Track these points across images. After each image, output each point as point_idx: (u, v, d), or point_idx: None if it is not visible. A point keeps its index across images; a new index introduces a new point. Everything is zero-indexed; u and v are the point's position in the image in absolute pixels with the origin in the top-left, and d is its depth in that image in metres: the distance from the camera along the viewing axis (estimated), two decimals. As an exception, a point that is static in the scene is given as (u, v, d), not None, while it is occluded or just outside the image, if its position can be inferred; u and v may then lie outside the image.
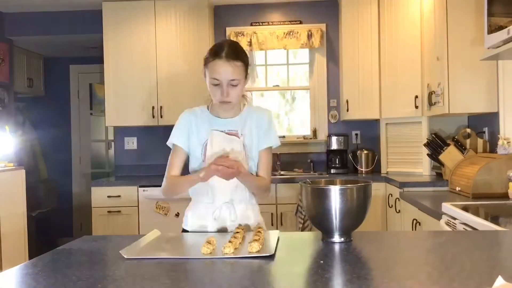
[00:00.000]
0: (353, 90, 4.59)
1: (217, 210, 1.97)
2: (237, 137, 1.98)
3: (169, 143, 2.08)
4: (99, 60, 4.99)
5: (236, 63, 1.89)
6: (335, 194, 1.56)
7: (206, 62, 1.93)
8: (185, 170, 2.08)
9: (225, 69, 1.88)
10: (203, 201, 2.01)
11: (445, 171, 3.63)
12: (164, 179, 2.04)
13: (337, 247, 1.53)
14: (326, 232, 1.62)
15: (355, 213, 1.60)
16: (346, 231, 1.60)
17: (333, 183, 1.71)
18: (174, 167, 2.04)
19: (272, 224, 4.30)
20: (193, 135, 2.01)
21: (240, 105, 2.06)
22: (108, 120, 4.84)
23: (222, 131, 1.98)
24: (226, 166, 1.80)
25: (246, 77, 1.97)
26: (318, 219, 1.64)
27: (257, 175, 2.04)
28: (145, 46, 4.78)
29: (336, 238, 1.59)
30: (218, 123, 2.01)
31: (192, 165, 2.05)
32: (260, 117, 2.05)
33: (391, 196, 3.98)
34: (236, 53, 1.90)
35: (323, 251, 1.51)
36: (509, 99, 3.35)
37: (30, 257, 3.97)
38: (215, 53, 1.89)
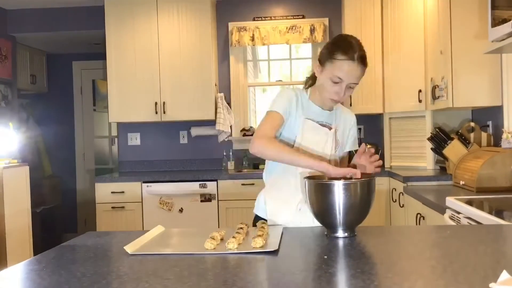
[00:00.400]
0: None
1: (301, 202, 1.92)
2: (329, 129, 1.97)
3: (270, 109, 1.93)
4: (102, 56, 5.00)
5: (363, 68, 1.86)
6: (338, 189, 1.56)
7: (332, 57, 1.84)
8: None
9: (353, 73, 1.84)
10: (284, 189, 1.97)
11: (449, 165, 3.62)
12: (260, 135, 1.85)
13: (341, 242, 1.53)
14: (330, 227, 1.62)
15: (359, 208, 1.60)
16: (350, 226, 1.60)
17: (336, 178, 1.71)
18: (272, 129, 1.88)
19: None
20: (293, 113, 1.94)
21: None
22: (112, 116, 4.84)
23: (316, 121, 1.95)
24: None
25: None
26: (322, 214, 1.63)
27: None
28: (148, 41, 4.78)
29: (340, 233, 1.59)
30: (314, 111, 1.97)
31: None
32: (349, 119, 2.08)
33: (395, 190, 3.97)
34: (365, 58, 1.86)
35: (327, 246, 1.51)
36: (513, 92, 3.34)
37: (35, 253, 3.99)
38: (346, 53, 1.82)
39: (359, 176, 1.65)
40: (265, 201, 2.02)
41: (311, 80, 2.03)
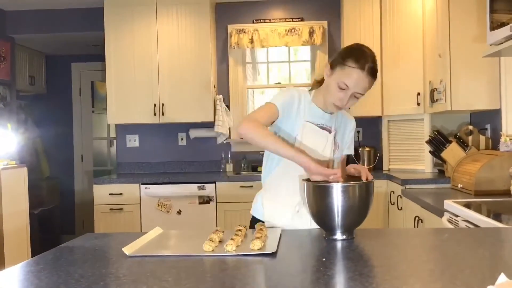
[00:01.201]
0: None
1: (300, 204, 1.93)
2: (329, 132, 1.97)
3: (270, 101, 1.92)
4: (101, 58, 5.00)
5: (372, 81, 1.87)
6: (337, 191, 1.56)
7: (344, 62, 1.85)
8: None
9: (361, 83, 1.84)
10: (282, 191, 1.97)
11: (447, 168, 3.63)
12: (251, 118, 1.84)
13: (339, 245, 1.53)
14: (328, 229, 1.62)
15: (357, 211, 1.60)
16: (348, 229, 1.60)
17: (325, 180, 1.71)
18: (265, 118, 1.87)
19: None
20: (293, 113, 1.93)
21: None
22: (110, 117, 4.84)
23: (316, 124, 1.95)
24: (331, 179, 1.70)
25: None
26: (320, 216, 1.64)
27: None
28: (147, 43, 4.78)
29: (338, 235, 1.59)
30: (315, 113, 1.97)
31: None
32: (349, 123, 2.09)
33: (393, 193, 3.97)
34: (376, 71, 1.87)
35: (325, 248, 1.51)
36: (511, 95, 3.34)
37: (33, 255, 3.98)
38: (358, 61, 1.83)
39: (340, 180, 1.64)
40: (262, 204, 2.02)
41: (318, 84, 2.03)
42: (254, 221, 2.00)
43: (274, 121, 1.93)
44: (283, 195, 1.97)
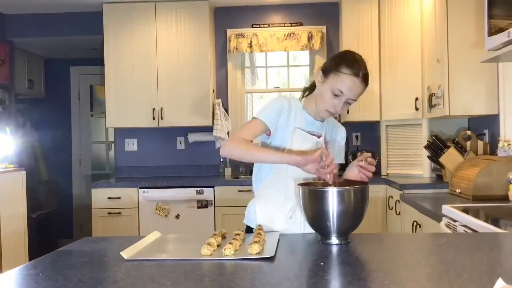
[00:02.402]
0: None
1: (292, 210, 1.93)
2: (318, 137, 1.98)
3: (255, 115, 1.94)
4: (100, 61, 5.00)
5: (364, 87, 1.89)
6: (332, 196, 1.56)
7: (337, 69, 1.85)
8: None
9: (355, 89, 1.86)
10: (274, 198, 1.97)
11: (445, 173, 3.63)
12: (234, 137, 1.89)
13: (337, 249, 1.53)
14: (323, 234, 1.63)
15: (352, 215, 1.60)
16: (344, 233, 1.61)
17: (330, 184, 1.72)
18: (249, 133, 1.90)
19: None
20: (283, 123, 1.94)
21: None
22: (109, 121, 4.84)
23: (306, 131, 1.96)
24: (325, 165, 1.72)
25: None
26: (315, 221, 1.64)
27: None
28: (146, 47, 4.79)
29: (333, 240, 1.60)
30: (306, 120, 1.97)
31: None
32: (339, 132, 2.10)
33: (392, 198, 3.98)
34: (368, 77, 1.89)
35: (323, 253, 1.51)
36: (509, 101, 3.35)
37: (30, 259, 3.97)
38: (352, 67, 1.84)
39: (329, 159, 1.69)
40: (255, 211, 2.02)
41: (309, 90, 2.04)
42: (248, 231, 2.00)
43: (268, 135, 1.95)
44: (275, 201, 1.98)
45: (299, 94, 2.10)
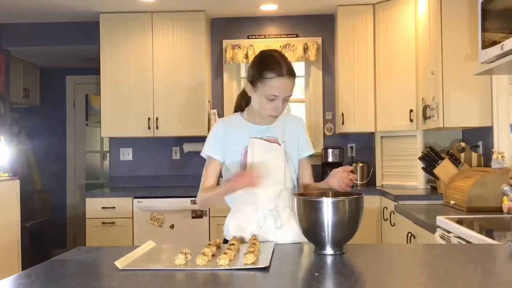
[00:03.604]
0: (349, 103, 4.61)
1: (261, 219, 1.95)
2: (278, 144, 1.99)
3: (203, 154, 2.03)
4: (96, 71, 5.01)
5: (293, 80, 1.92)
6: (327, 206, 1.57)
7: (262, 76, 1.89)
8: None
9: (286, 87, 1.89)
10: (245, 210, 1.99)
11: (439, 185, 3.65)
12: (200, 191, 2.01)
13: (332, 260, 1.53)
14: (318, 244, 1.63)
15: (347, 226, 1.60)
16: (338, 244, 1.61)
17: (325, 195, 1.72)
18: (209, 178, 2.00)
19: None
20: (230, 144, 1.98)
21: None
22: (104, 131, 4.84)
23: (261, 138, 1.98)
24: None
25: None
26: (310, 231, 1.64)
27: (299, 183, 2.11)
28: (142, 58, 4.80)
29: (328, 250, 1.60)
30: (256, 130, 2.00)
31: (227, 175, 2.04)
32: (297, 125, 2.11)
33: (386, 209, 3.98)
34: (292, 69, 1.92)
35: (318, 263, 1.51)
36: (503, 113, 3.38)
37: (23, 268, 3.94)
38: (274, 70, 1.87)
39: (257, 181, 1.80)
40: (228, 225, 2.05)
41: (243, 101, 2.07)
42: (225, 243, 2.03)
43: (222, 166, 2.02)
44: (245, 212, 2.00)
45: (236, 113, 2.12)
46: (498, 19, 2.73)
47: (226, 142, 1.99)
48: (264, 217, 1.96)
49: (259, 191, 1.90)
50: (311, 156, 2.14)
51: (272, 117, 1.97)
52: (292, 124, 2.09)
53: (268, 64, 1.90)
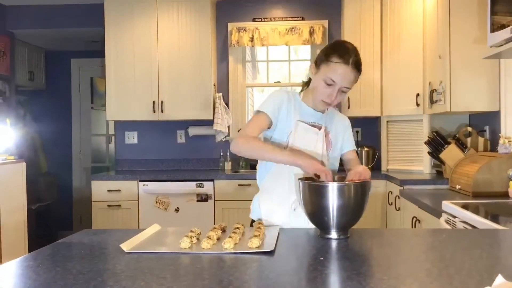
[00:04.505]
0: (355, 87, 4.45)
1: (296, 201, 1.93)
2: (319, 129, 1.99)
3: (259, 109, 1.97)
4: (101, 54, 4.99)
5: (357, 74, 1.91)
6: (332, 191, 1.56)
7: (328, 59, 1.88)
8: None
9: (347, 76, 1.88)
10: (278, 191, 1.98)
11: (445, 169, 3.63)
12: (242, 134, 1.92)
13: (337, 244, 1.53)
14: (323, 228, 1.63)
15: (352, 210, 1.60)
16: (343, 228, 1.61)
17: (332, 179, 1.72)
18: (255, 130, 1.93)
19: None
20: (283, 116, 1.96)
21: None
22: (109, 114, 4.84)
23: (307, 123, 1.97)
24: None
25: None
26: (315, 215, 1.64)
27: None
28: (147, 40, 4.78)
29: (333, 234, 1.60)
30: (306, 112, 2.00)
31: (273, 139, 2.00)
32: (344, 122, 2.12)
33: (391, 193, 3.98)
34: (359, 63, 1.90)
35: (323, 247, 1.51)
36: (510, 98, 3.35)
37: (30, 250, 3.98)
38: (342, 56, 1.86)
39: (330, 178, 1.71)
40: (259, 205, 2.03)
41: (307, 85, 2.06)
42: (252, 225, 2.01)
43: (269, 128, 1.97)
44: (279, 194, 1.98)
45: (299, 89, 2.12)
46: (508, 2, 2.69)
47: (281, 110, 1.96)
48: (298, 201, 1.94)
49: (297, 172, 1.88)
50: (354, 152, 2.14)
51: (324, 104, 1.95)
52: (339, 119, 2.11)
53: (338, 50, 1.89)
